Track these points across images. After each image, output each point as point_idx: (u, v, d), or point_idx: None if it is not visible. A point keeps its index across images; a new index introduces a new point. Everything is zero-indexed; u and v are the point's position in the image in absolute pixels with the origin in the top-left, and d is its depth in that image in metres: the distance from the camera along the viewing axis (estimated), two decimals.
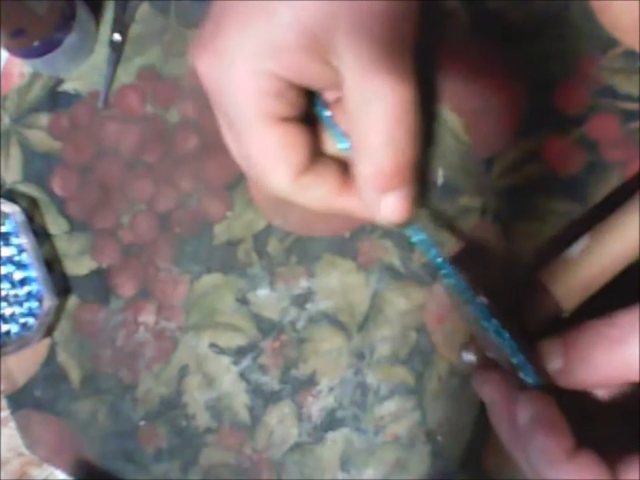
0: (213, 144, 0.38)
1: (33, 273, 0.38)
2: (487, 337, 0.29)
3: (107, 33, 0.39)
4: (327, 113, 0.31)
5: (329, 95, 0.31)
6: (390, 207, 0.29)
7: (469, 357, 0.31)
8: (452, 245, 0.35)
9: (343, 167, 0.31)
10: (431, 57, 0.35)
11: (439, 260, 0.31)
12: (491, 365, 0.31)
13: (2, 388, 0.39)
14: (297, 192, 0.30)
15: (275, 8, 0.27)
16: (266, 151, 0.29)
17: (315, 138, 0.30)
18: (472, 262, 0.33)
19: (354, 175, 0.29)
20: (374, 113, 0.27)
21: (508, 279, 0.34)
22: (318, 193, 0.30)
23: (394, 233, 0.36)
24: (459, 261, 0.33)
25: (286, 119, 0.29)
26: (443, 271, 0.31)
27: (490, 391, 0.30)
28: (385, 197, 0.28)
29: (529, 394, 0.27)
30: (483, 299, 0.29)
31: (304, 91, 0.29)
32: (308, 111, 0.30)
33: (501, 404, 0.29)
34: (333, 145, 0.31)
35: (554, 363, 0.28)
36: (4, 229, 0.39)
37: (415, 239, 0.31)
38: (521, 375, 0.28)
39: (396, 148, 0.27)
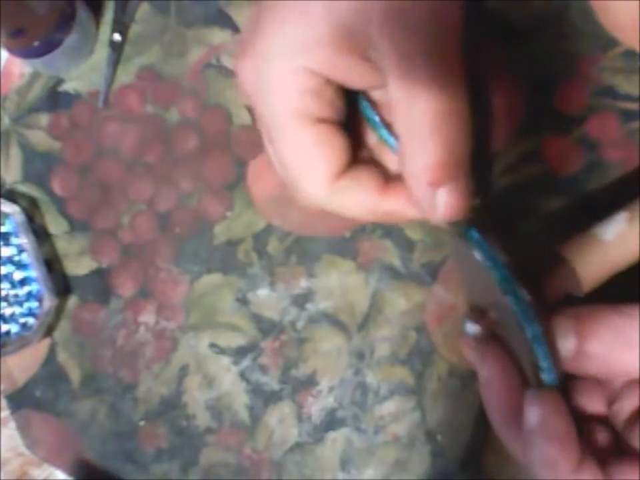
0: (213, 144, 0.38)
1: (32, 273, 0.38)
2: (500, 308, 0.27)
3: (107, 32, 0.39)
4: (373, 112, 0.29)
5: (375, 96, 0.30)
6: (444, 202, 0.27)
7: (474, 327, 0.28)
8: (452, 246, 0.35)
9: (384, 171, 0.30)
10: None
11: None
12: (496, 341, 0.28)
13: (2, 388, 0.39)
14: (334, 197, 0.28)
15: (308, 5, 0.26)
16: (300, 152, 0.28)
17: (354, 142, 0.29)
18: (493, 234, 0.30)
19: (404, 175, 0.27)
20: (419, 104, 0.26)
21: (527, 251, 0.33)
22: (357, 197, 0.28)
23: (394, 233, 0.36)
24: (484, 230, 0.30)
25: (323, 120, 0.28)
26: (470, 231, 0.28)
27: (491, 369, 0.28)
28: (438, 193, 0.26)
29: (539, 393, 0.25)
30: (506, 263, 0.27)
31: (343, 92, 0.28)
32: (349, 116, 0.29)
33: (502, 390, 0.27)
34: (376, 150, 0.30)
35: (567, 343, 0.26)
36: (4, 229, 0.39)
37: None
38: (535, 349, 0.25)
39: (446, 139, 0.26)
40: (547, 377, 0.25)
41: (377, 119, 0.29)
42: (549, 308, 0.27)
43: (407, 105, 0.26)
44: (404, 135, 0.27)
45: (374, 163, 0.30)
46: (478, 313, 0.29)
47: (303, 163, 0.28)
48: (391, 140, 0.29)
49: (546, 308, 0.27)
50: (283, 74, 0.27)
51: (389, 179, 0.29)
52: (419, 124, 0.26)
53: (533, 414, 0.25)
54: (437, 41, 0.26)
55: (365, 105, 0.30)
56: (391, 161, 0.30)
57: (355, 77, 0.28)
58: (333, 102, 0.28)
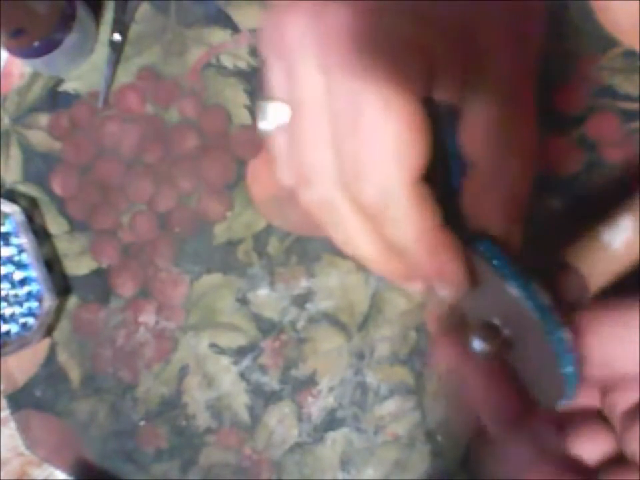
0: (212, 144, 0.38)
1: (32, 273, 0.38)
2: (515, 323, 0.26)
3: (107, 32, 0.39)
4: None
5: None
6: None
7: (482, 345, 0.27)
8: None
9: None
10: None
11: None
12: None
13: (2, 388, 0.39)
14: (434, 263, 0.27)
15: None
16: (414, 216, 0.26)
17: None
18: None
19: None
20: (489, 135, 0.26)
21: (529, 256, 0.33)
22: (427, 210, 0.26)
23: None
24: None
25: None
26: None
27: (492, 385, 0.27)
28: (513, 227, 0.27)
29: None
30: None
31: None
32: None
33: (499, 401, 0.27)
34: None
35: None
36: (4, 229, 0.39)
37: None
38: (561, 356, 0.24)
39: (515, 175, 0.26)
40: (569, 385, 0.24)
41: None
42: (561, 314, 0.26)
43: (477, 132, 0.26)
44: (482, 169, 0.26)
45: None
46: (490, 330, 0.28)
47: (416, 226, 0.26)
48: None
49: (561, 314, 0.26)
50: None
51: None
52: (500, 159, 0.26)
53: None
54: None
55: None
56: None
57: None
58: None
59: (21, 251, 0.38)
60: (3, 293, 0.38)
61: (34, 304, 0.38)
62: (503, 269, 0.26)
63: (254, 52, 0.38)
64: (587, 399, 0.27)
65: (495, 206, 0.27)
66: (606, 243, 0.30)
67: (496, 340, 0.27)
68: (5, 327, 0.38)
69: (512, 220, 0.27)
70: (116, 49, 0.39)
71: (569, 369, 0.24)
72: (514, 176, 0.26)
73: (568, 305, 0.29)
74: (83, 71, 0.40)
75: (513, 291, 0.25)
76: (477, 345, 0.26)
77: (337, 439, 0.36)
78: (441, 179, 0.28)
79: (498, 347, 0.27)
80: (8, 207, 0.38)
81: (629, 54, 0.34)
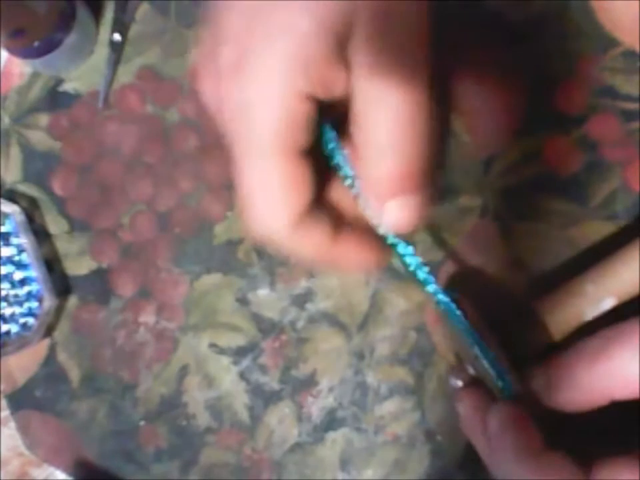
0: (213, 144, 0.38)
1: (32, 273, 0.38)
2: (470, 354, 0.30)
3: (107, 33, 0.39)
4: (334, 139, 0.28)
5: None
6: (393, 214, 0.27)
7: (456, 382, 0.32)
8: (452, 246, 0.35)
9: (339, 215, 0.29)
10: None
11: (427, 277, 0.30)
12: (472, 384, 0.32)
13: (2, 388, 0.39)
14: (293, 237, 0.27)
15: (297, 19, 0.25)
16: (271, 186, 0.26)
17: (317, 182, 0.28)
18: (465, 285, 0.33)
19: (361, 185, 0.27)
20: (380, 114, 0.25)
21: (502, 305, 0.34)
22: (313, 241, 0.27)
23: None
24: (453, 282, 0.34)
25: (302, 152, 0.26)
26: (431, 288, 0.30)
27: (465, 405, 0.31)
28: (388, 204, 0.26)
29: (499, 404, 0.28)
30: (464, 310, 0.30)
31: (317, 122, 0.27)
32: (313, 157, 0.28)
33: (474, 415, 0.30)
34: (333, 193, 0.29)
35: (537, 380, 0.29)
36: (4, 229, 0.39)
37: (404, 253, 0.29)
38: (499, 384, 0.29)
39: (402, 152, 0.26)
40: (506, 389, 0.29)
41: (336, 145, 0.28)
42: (523, 361, 0.30)
43: (368, 115, 0.26)
44: (361, 143, 0.26)
45: (330, 206, 0.29)
46: (458, 368, 0.33)
47: (271, 197, 0.26)
48: (347, 169, 0.28)
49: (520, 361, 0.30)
50: (275, 98, 0.25)
51: (342, 225, 0.28)
52: (377, 132, 0.26)
53: (493, 421, 0.28)
54: (408, 55, 0.26)
55: (327, 131, 0.28)
56: (347, 205, 0.29)
57: (337, 87, 0.26)
58: (313, 131, 0.27)
59: (21, 250, 0.38)
60: (3, 293, 0.38)
61: (34, 304, 0.38)
62: (466, 332, 0.30)
63: None
64: None
65: (384, 178, 0.26)
66: (581, 312, 0.31)
67: (463, 376, 0.32)
68: (5, 327, 0.38)
69: (406, 191, 0.26)
70: (116, 49, 0.39)
71: (506, 389, 0.29)
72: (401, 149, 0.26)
73: (530, 350, 0.31)
74: (82, 71, 0.40)
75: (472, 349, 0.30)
76: (452, 381, 0.32)
77: (337, 439, 0.36)
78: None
79: (466, 381, 0.32)
80: (8, 207, 0.38)
81: (629, 54, 0.34)
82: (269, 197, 0.26)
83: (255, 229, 0.27)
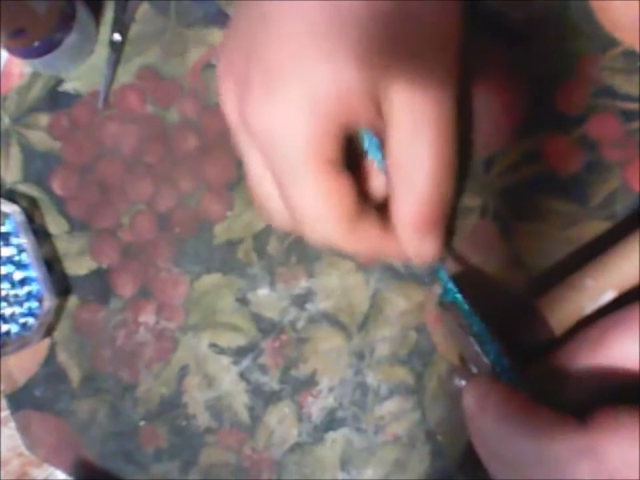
0: (213, 144, 0.38)
1: (32, 273, 0.38)
2: (473, 352, 0.31)
3: (107, 33, 0.39)
4: (373, 141, 0.30)
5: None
6: (430, 249, 0.29)
7: (460, 381, 0.32)
8: (452, 246, 0.35)
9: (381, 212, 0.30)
10: None
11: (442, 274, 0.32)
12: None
13: (2, 388, 0.39)
14: (348, 240, 0.29)
15: (332, 46, 0.26)
16: (319, 197, 0.28)
17: (359, 183, 0.30)
18: (465, 284, 0.33)
19: (392, 216, 0.29)
20: (416, 170, 0.27)
21: (502, 303, 0.34)
22: (369, 240, 0.29)
23: None
24: (457, 280, 0.34)
25: (337, 165, 0.28)
26: (443, 283, 0.32)
27: (471, 395, 0.31)
28: (425, 239, 0.29)
29: (475, 380, 0.29)
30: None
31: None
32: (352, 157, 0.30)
33: (474, 404, 0.30)
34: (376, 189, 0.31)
35: (540, 369, 0.29)
36: (4, 229, 0.39)
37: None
38: (503, 378, 0.29)
39: (440, 192, 0.28)
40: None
41: (382, 158, 0.30)
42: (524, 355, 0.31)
43: (406, 161, 0.28)
44: (399, 180, 0.28)
45: (374, 204, 0.31)
46: (461, 368, 0.34)
47: (319, 211, 0.28)
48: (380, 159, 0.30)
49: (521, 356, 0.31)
50: (307, 123, 0.26)
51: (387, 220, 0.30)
52: (418, 175, 0.27)
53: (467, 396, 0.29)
54: (448, 100, 0.28)
55: (373, 146, 0.30)
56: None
57: (367, 119, 0.28)
58: (345, 146, 0.28)
59: (21, 250, 0.38)
60: (3, 293, 0.38)
61: (34, 304, 0.38)
62: (469, 323, 0.31)
63: None
64: None
65: (404, 219, 0.29)
66: (581, 306, 0.31)
67: (466, 375, 0.32)
68: (5, 327, 0.38)
69: (426, 231, 0.29)
70: (116, 49, 0.39)
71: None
72: (429, 187, 0.28)
73: (531, 346, 0.31)
74: (82, 71, 0.40)
75: (474, 344, 0.30)
76: (456, 382, 0.32)
77: (337, 439, 0.36)
78: None
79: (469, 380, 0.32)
80: (8, 207, 0.38)
81: (629, 54, 0.34)
82: (317, 211, 0.28)
83: (311, 239, 0.29)
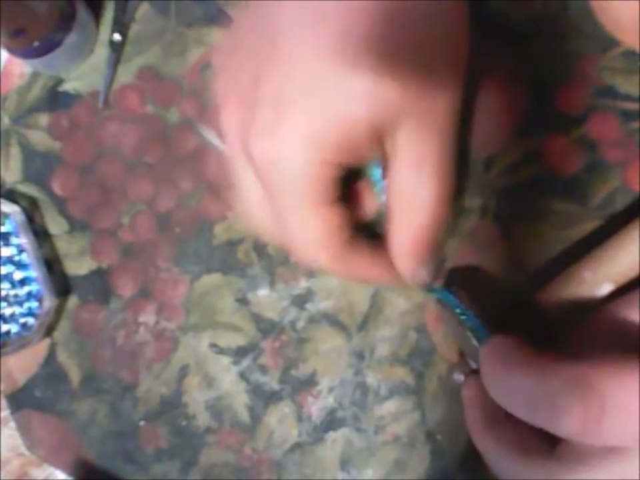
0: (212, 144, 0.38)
1: (33, 273, 0.38)
2: (472, 348, 0.31)
3: (107, 33, 0.39)
4: (378, 172, 0.31)
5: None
6: (425, 271, 0.31)
7: (459, 376, 0.33)
8: (451, 246, 0.35)
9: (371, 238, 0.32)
10: None
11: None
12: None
13: (2, 388, 0.39)
14: (337, 267, 0.30)
15: (344, 83, 0.26)
16: (310, 230, 0.29)
17: (353, 212, 0.31)
18: (465, 284, 0.34)
19: (389, 241, 0.30)
20: (416, 211, 0.29)
21: (502, 302, 0.34)
22: (357, 268, 0.31)
23: None
24: (452, 282, 0.35)
25: (335, 201, 0.29)
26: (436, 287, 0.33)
27: (470, 389, 0.32)
28: (420, 263, 0.30)
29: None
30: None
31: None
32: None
33: (474, 397, 0.31)
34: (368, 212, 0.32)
35: None
36: (4, 229, 0.39)
37: None
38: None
39: (438, 222, 0.29)
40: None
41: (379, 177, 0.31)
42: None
43: (404, 203, 0.29)
44: (398, 208, 0.29)
45: (367, 230, 0.32)
46: (460, 363, 0.34)
47: (310, 240, 0.29)
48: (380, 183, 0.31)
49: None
50: (309, 159, 0.27)
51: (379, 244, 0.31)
52: (417, 207, 0.29)
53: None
54: (450, 159, 0.29)
55: (373, 169, 0.31)
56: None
57: (367, 159, 0.29)
58: (342, 183, 0.29)
59: (21, 250, 0.38)
60: (3, 293, 0.38)
61: (34, 304, 0.38)
62: (464, 319, 0.31)
63: None
64: None
65: (402, 246, 0.30)
66: (578, 299, 0.32)
67: (465, 369, 0.33)
68: (5, 327, 0.38)
69: (422, 256, 0.30)
70: (116, 49, 0.39)
71: None
72: (423, 220, 0.29)
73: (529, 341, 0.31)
74: (82, 71, 0.40)
75: (472, 339, 0.31)
76: (456, 377, 0.33)
77: (337, 439, 0.36)
78: None
79: (468, 374, 0.33)
80: (8, 207, 0.38)
81: (629, 54, 0.34)
82: (308, 240, 0.29)
83: (301, 260, 0.31)
